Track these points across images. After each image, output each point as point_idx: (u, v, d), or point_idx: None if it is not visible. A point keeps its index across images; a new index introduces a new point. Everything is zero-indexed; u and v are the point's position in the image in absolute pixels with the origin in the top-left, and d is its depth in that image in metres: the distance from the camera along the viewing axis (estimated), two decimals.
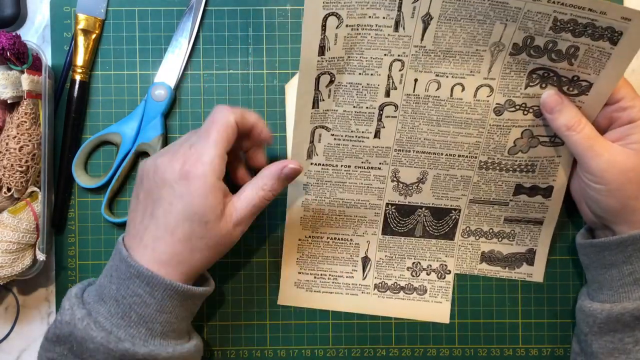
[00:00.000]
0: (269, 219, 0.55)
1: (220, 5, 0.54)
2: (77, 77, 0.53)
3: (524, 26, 0.45)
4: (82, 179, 0.53)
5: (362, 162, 0.51)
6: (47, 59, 0.52)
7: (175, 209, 0.43)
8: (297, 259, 0.54)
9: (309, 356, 0.55)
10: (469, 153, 0.50)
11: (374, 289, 0.55)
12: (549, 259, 0.55)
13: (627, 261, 0.46)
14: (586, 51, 0.45)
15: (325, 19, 0.44)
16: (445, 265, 0.55)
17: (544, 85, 0.48)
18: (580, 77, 0.47)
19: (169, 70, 0.54)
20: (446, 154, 0.50)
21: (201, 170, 0.43)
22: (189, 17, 0.54)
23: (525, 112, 0.49)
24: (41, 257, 0.50)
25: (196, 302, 0.46)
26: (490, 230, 0.54)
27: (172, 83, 0.54)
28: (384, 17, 0.45)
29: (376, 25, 0.45)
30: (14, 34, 0.49)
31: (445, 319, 0.55)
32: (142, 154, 0.54)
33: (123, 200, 0.55)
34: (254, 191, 0.46)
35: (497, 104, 0.48)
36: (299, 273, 0.54)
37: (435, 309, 0.55)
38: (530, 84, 0.48)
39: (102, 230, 0.54)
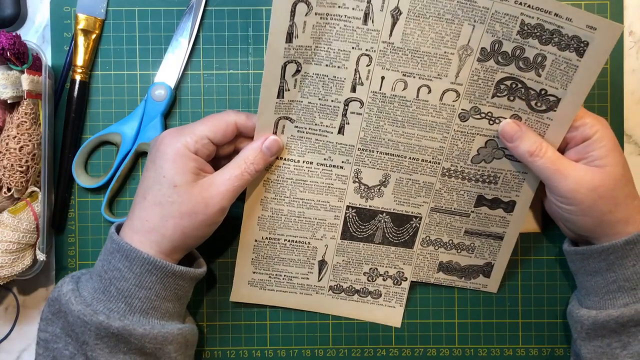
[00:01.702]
0: None
1: (220, 5, 0.54)
2: (77, 77, 0.53)
3: (491, 29, 0.45)
4: (82, 179, 0.53)
5: (325, 159, 0.50)
6: (47, 59, 0.52)
7: (149, 174, 0.45)
8: (253, 259, 0.52)
9: (309, 356, 0.55)
10: (433, 158, 0.50)
11: (329, 291, 0.54)
12: (548, 258, 0.55)
13: (610, 269, 0.47)
14: (553, 62, 0.45)
15: (294, 4, 0.43)
16: (402, 272, 0.54)
17: (511, 98, 0.47)
18: (548, 90, 0.46)
19: (169, 70, 0.54)
20: (410, 157, 0.50)
21: (174, 138, 0.45)
22: (189, 17, 0.54)
23: (491, 122, 0.48)
24: (41, 257, 0.50)
25: (179, 283, 0.46)
26: (450, 242, 0.53)
27: (172, 83, 0.54)
28: (353, 8, 0.44)
29: (345, 16, 0.44)
30: (14, 34, 0.49)
31: (397, 323, 0.55)
32: (142, 154, 0.54)
33: (123, 200, 0.55)
34: (235, 164, 0.46)
35: (462, 109, 0.48)
36: (253, 272, 0.53)
37: (388, 312, 0.55)
38: (498, 94, 0.47)
39: (102, 230, 0.54)
